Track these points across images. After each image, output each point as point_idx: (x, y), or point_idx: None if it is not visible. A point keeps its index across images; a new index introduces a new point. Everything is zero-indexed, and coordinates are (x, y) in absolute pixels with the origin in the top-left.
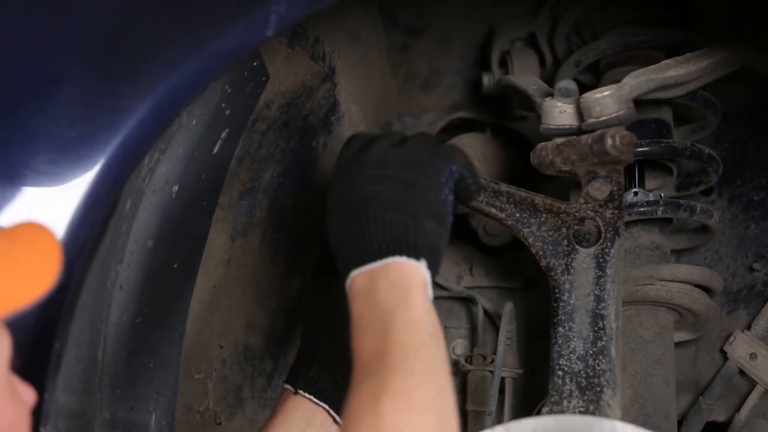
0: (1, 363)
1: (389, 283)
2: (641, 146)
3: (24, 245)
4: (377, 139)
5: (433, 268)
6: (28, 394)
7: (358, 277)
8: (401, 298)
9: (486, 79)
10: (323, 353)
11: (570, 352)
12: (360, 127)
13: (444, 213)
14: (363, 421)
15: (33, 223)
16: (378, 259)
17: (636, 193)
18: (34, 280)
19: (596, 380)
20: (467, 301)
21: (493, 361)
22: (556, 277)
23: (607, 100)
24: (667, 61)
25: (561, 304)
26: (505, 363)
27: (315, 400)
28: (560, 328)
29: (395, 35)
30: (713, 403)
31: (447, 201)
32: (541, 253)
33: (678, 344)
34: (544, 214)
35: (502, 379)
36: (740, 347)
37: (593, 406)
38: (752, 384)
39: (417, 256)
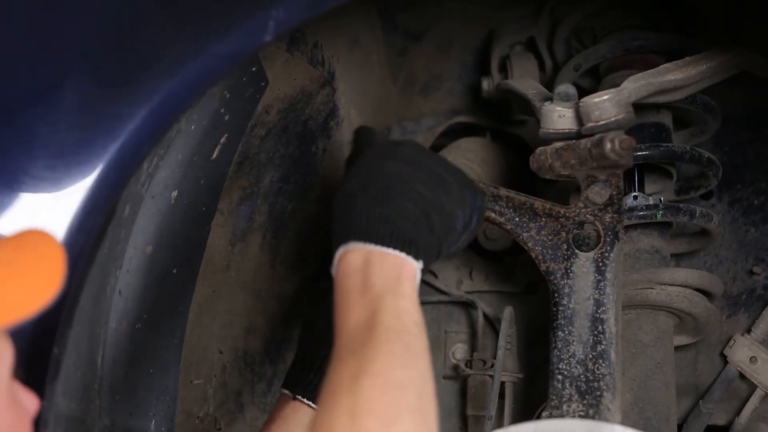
0: (2, 371)
1: (384, 268)
2: (641, 150)
3: (29, 253)
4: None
5: (426, 265)
6: (30, 402)
7: (354, 252)
8: (393, 285)
9: (485, 84)
10: (322, 359)
11: (570, 356)
12: None
13: (454, 226)
14: (340, 399)
15: (37, 230)
16: (383, 244)
17: (635, 197)
18: (40, 289)
19: (596, 384)
20: (467, 306)
21: (493, 365)
22: (556, 281)
23: (606, 105)
24: (667, 65)
25: (560, 308)
26: (505, 367)
27: (313, 406)
28: (560, 332)
29: (395, 40)
30: (713, 407)
31: (460, 217)
32: (540, 257)
33: (678, 348)
34: (543, 219)
35: (502, 383)
36: (740, 351)
37: (593, 410)
38: (752, 388)
39: (417, 257)
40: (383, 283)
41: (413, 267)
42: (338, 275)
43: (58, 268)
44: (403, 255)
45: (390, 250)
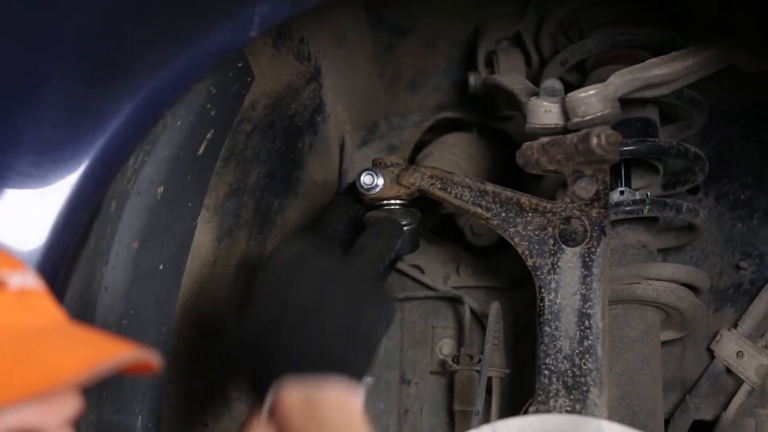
0: (55, 419)
1: (333, 405)
2: (627, 145)
3: None
4: (313, 251)
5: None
6: None
7: (293, 389)
8: (346, 425)
9: (472, 79)
10: None
11: (556, 352)
12: (346, 127)
13: (377, 341)
14: None
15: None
16: (321, 370)
17: (622, 192)
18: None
19: (583, 379)
20: (454, 301)
21: (480, 360)
22: (542, 276)
23: (592, 99)
24: (653, 60)
25: (547, 303)
26: (492, 363)
27: None
28: (546, 328)
29: (381, 35)
30: (700, 402)
31: (380, 333)
32: (527, 252)
33: (665, 343)
34: (529, 214)
35: (489, 378)
36: (727, 346)
37: (580, 405)
38: (739, 382)
39: (359, 378)
40: (336, 426)
41: (358, 393)
42: (282, 418)
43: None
44: (345, 379)
45: (330, 382)
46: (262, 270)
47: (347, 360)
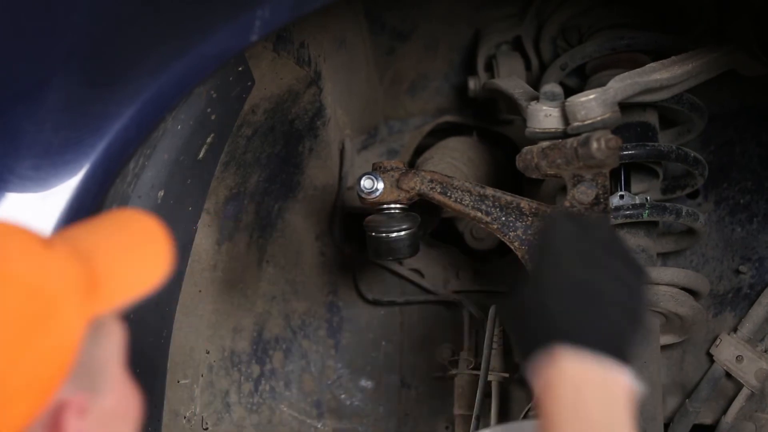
0: (120, 353)
1: (594, 395)
2: (627, 149)
3: (136, 233)
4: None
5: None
6: (135, 386)
7: (563, 357)
8: (608, 421)
9: (472, 83)
10: None
11: None
12: (346, 131)
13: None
14: None
15: (138, 213)
16: (594, 347)
17: (622, 197)
18: (151, 270)
19: None
20: (454, 306)
21: (479, 364)
22: None
23: (592, 104)
24: (653, 64)
25: None
26: (491, 367)
27: None
28: None
29: (382, 39)
30: (700, 406)
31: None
32: (527, 256)
33: (664, 347)
34: (530, 218)
35: (489, 382)
36: (726, 350)
37: None
38: (739, 386)
39: (629, 363)
40: (602, 414)
41: (631, 382)
42: (545, 388)
43: (167, 249)
44: (623, 372)
45: (609, 362)
46: (546, 241)
47: (626, 343)
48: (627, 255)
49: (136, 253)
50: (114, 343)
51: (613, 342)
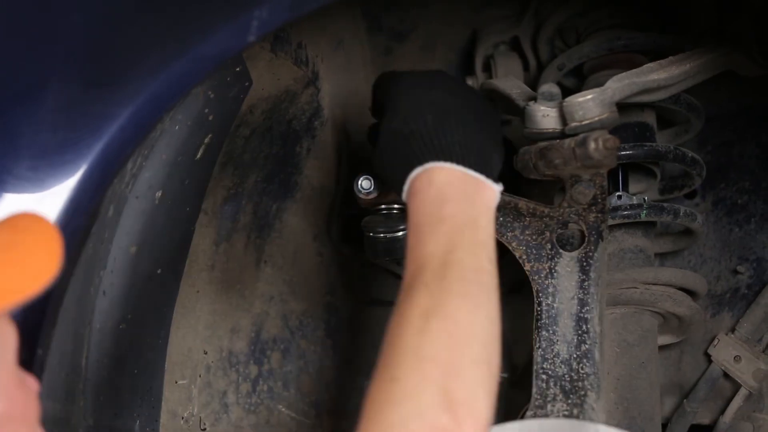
0: (9, 353)
1: (465, 193)
2: (624, 150)
3: (25, 235)
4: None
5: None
6: (32, 382)
7: (433, 172)
8: (472, 214)
9: (470, 83)
10: None
11: (554, 356)
12: (343, 131)
13: (502, 153)
14: (408, 338)
15: (30, 214)
16: (464, 165)
17: (620, 197)
18: (39, 270)
19: (580, 384)
20: None
21: None
22: (540, 281)
23: (589, 104)
24: (650, 64)
25: (545, 307)
26: None
27: None
28: (544, 332)
29: (379, 39)
30: (698, 406)
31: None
32: (524, 257)
33: (662, 347)
34: (527, 218)
35: None
36: (724, 350)
37: (577, 409)
38: (736, 387)
39: (493, 177)
40: (463, 212)
41: (494, 192)
42: (414, 196)
43: (56, 249)
44: (483, 178)
45: (471, 172)
46: (394, 83)
47: (492, 162)
48: (472, 89)
49: (24, 255)
50: (2, 346)
51: (479, 156)
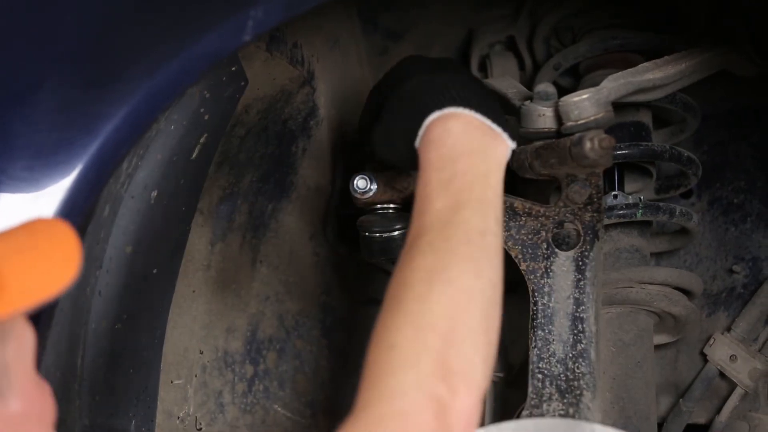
0: (27, 355)
1: (478, 148)
2: (620, 149)
3: (44, 238)
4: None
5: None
6: (47, 387)
7: (450, 118)
8: (483, 173)
9: None
10: None
11: (550, 356)
12: (339, 131)
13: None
14: (409, 304)
15: (48, 219)
16: (483, 114)
17: (615, 196)
18: (58, 273)
19: (576, 383)
20: None
21: None
22: (536, 280)
23: (585, 104)
24: (646, 64)
25: (540, 307)
26: None
27: None
28: (540, 332)
29: (375, 39)
30: (693, 406)
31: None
32: (520, 256)
33: (658, 347)
34: (523, 218)
35: None
36: (720, 349)
37: (573, 409)
38: (732, 386)
39: (508, 132)
40: (475, 168)
41: (507, 148)
42: (427, 145)
43: (75, 252)
44: (500, 130)
45: (490, 122)
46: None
47: (503, 116)
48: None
49: (44, 258)
50: (20, 347)
51: (495, 110)
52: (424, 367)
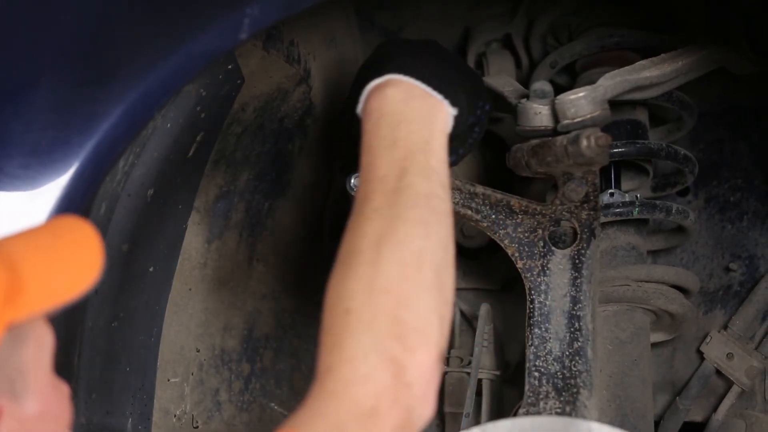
0: (46, 356)
1: (421, 111)
2: (617, 147)
3: (67, 239)
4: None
5: (459, 117)
6: (65, 388)
7: (391, 85)
8: (426, 139)
9: None
10: None
11: (546, 354)
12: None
13: (473, 109)
14: (360, 268)
15: (72, 218)
16: (423, 81)
17: (612, 194)
18: (80, 275)
19: (573, 381)
20: None
21: (470, 362)
22: (532, 278)
23: (582, 102)
24: (642, 62)
25: (537, 305)
26: (482, 365)
27: None
28: (536, 330)
29: (372, 37)
30: (690, 404)
31: (473, 104)
32: (517, 254)
33: (655, 345)
34: (519, 216)
35: (480, 380)
36: (717, 347)
37: (570, 407)
38: (729, 384)
39: (454, 104)
40: (418, 135)
41: (448, 115)
42: (372, 111)
43: (97, 254)
44: (440, 97)
45: (431, 91)
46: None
47: (453, 85)
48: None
49: (65, 259)
50: (38, 348)
51: (440, 78)
52: (379, 328)
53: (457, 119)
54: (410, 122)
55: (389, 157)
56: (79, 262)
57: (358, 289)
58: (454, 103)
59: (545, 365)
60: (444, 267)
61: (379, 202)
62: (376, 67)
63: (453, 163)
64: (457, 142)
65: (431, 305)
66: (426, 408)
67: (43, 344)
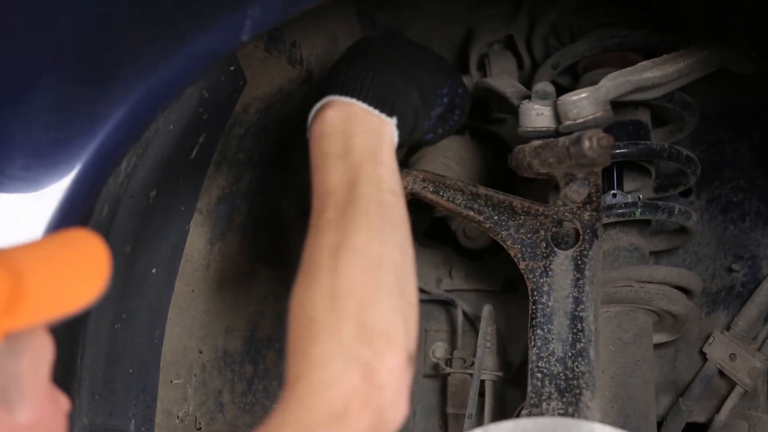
0: (44, 367)
1: (365, 129)
2: (619, 148)
3: (75, 251)
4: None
5: (402, 134)
6: (63, 401)
7: (333, 107)
8: (371, 150)
9: (464, 82)
10: None
11: (549, 355)
12: None
13: (432, 100)
14: (320, 277)
15: (81, 231)
16: (362, 100)
17: (614, 195)
18: (85, 286)
19: (575, 382)
20: (447, 304)
21: (473, 364)
22: (535, 279)
23: (584, 102)
24: (644, 62)
25: (540, 306)
26: (484, 366)
27: None
28: (539, 331)
29: None
30: (693, 404)
31: (439, 94)
32: (519, 255)
33: (657, 346)
34: (522, 217)
35: (482, 381)
36: (719, 348)
37: (572, 408)
38: (732, 385)
39: (390, 114)
40: (363, 148)
41: (391, 129)
42: (315, 133)
43: (103, 266)
44: (383, 116)
45: (370, 108)
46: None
47: (394, 98)
48: (419, 46)
49: (70, 272)
50: (36, 358)
51: (379, 92)
52: (345, 333)
53: (405, 124)
54: (353, 137)
55: (337, 171)
56: (84, 275)
57: (320, 297)
58: (396, 113)
59: (548, 366)
60: (403, 271)
61: (332, 213)
62: (321, 88)
63: (431, 141)
64: (437, 123)
65: (394, 308)
66: (398, 410)
67: (41, 354)
